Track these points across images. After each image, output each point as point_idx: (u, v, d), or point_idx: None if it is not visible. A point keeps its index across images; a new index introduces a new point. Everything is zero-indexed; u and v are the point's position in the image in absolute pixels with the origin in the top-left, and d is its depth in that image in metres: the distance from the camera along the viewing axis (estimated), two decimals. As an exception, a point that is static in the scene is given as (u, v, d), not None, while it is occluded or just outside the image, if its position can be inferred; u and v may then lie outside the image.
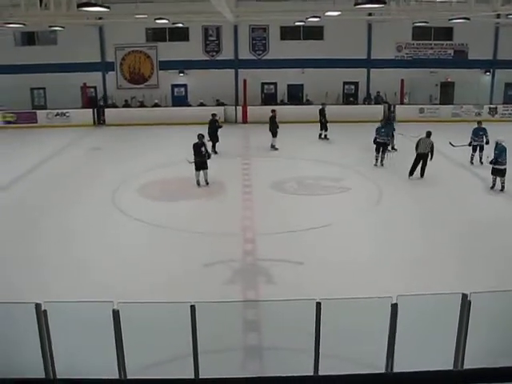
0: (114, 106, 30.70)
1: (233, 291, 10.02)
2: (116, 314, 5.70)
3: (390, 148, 21.59)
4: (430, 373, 1.96)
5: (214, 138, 21.46)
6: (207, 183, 16.99)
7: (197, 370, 5.84)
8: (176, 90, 31.87)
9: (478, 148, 19.07)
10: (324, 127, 24.78)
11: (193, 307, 5.65)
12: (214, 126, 21.60)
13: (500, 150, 15.81)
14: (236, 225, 13.60)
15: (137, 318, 6.08)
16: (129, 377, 5.86)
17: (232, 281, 10.61)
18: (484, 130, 19.15)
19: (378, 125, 19.75)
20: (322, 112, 24.89)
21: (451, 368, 5.36)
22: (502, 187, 15.87)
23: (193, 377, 5.63)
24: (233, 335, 8.15)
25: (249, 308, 9.16)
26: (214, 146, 21.40)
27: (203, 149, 16.86)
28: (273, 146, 22.61)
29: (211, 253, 11.74)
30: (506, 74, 31.69)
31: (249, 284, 10.54)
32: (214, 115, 22.08)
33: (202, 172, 16.86)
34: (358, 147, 21.81)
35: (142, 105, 30.63)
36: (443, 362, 5.62)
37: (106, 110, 29.95)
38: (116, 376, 5.79)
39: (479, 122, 19.78)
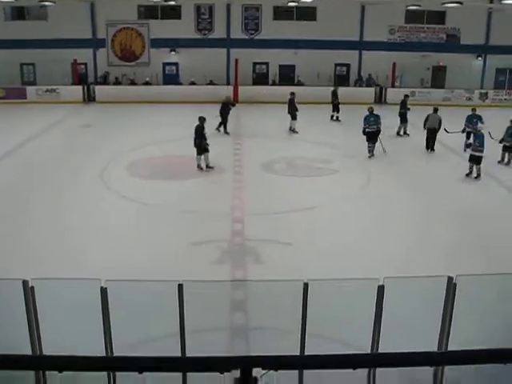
0: (105, 82, 30.44)
1: (221, 271, 10.04)
2: (103, 292, 5.71)
3: (402, 133, 21.45)
4: (414, 354, 1.98)
5: (225, 120, 21.47)
6: (209, 167, 16.49)
7: (183, 348, 5.88)
8: (167, 68, 31.66)
9: (472, 135, 19.04)
10: (336, 109, 24.79)
11: (180, 286, 5.66)
12: (227, 107, 21.54)
13: (478, 137, 16.03)
14: (225, 205, 13.60)
15: (124, 296, 6.08)
16: (115, 354, 5.88)
17: (220, 260, 10.62)
18: (478, 116, 19.07)
19: (365, 113, 18.63)
20: (334, 93, 24.90)
21: (435, 350, 5.41)
22: (478, 175, 15.94)
23: (179, 355, 5.65)
24: (220, 314, 8.18)
25: (237, 288, 9.19)
26: (225, 127, 21.53)
27: (205, 131, 16.52)
28: (292, 130, 22.27)
29: (200, 232, 11.75)
30: (498, 60, 31.70)
31: (237, 264, 10.57)
32: (227, 98, 22.22)
33: (203, 156, 16.46)
34: (352, 130, 21.57)
35: (132, 82, 30.40)
36: (428, 343, 5.69)
37: (96, 87, 29.68)
38: (103, 353, 5.81)
39: (473, 109, 19.75)
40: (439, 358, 1.99)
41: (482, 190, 15.43)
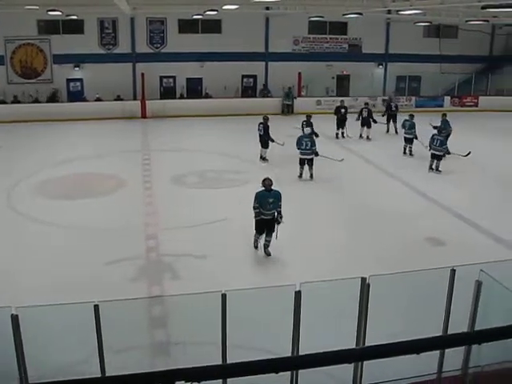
0: (3, 102, 29.17)
1: (137, 288, 9.86)
2: (14, 320, 5.47)
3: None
4: (333, 353, 2.03)
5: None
6: (265, 159, 19.14)
7: (103, 369, 5.73)
8: (71, 84, 30.80)
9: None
10: (342, 125, 23.66)
11: (96, 307, 5.52)
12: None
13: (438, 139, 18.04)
14: (138, 221, 13.39)
15: (38, 321, 5.87)
16: (30, 382, 5.65)
17: (136, 278, 10.44)
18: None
19: (259, 189, 11.51)
20: (339, 109, 24.00)
21: (354, 347, 5.55)
22: (437, 168, 18.05)
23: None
24: (139, 332, 8.05)
25: (154, 304, 9.08)
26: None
27: (261, 128, 18.92)
28: (367, 137, 23.41)
29: (113, 251, 11.45)
30: (397, 67, 33.25)
31: (153, 280, 10.43)
32: (309, 116, 20.36)
33: (266, 149, 18.99)
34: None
35: (35, 100, 29.33)
36: (346, 341, 5.83)
37: (-4, 106, 28.36)
38: (17, 382, 5.58)
39: (411, 116, 21.02)
40: (358, 354, 2.05)
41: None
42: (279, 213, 11.18)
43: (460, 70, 32.99)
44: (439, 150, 17.94)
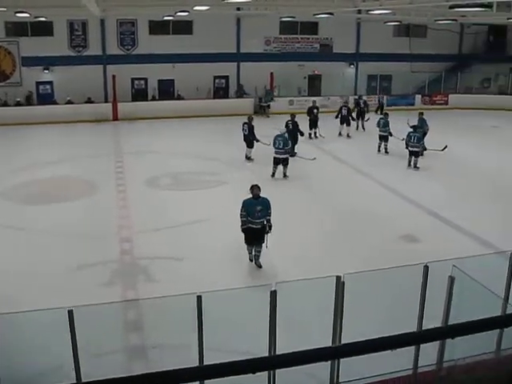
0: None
1: (112, 292, 9.76)
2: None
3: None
4: (309, 351, 2.05)
5: (294, 140, 19.38)
6: (250, 159, 19.35)
7: (79, 375, 5.66)
8: (41, 87, 30.39)
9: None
10: (314, 125, 23.39)
11: (70, 312, 5.45)
12: (296, 128, 19.76)
13: (415, 136, 18.35)
14: (111, 224, 13.26)
15: (10, 329, 5.78)
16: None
17: (110, 282, 10.34)
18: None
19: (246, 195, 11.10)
20: (311, 110, 23.67)
21: (330, 345, 5.57)
22: (415, 165, 18.32)
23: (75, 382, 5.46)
24: (115, 337, 7.98)
25: (130, 308, 9.01)
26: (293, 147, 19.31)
27: (246, 128, 19.13)
28: (348, 135, 23.98)
29: (87, 255, 11.32)
30: (368, 67, 33.56)
31: (128, 284, 10.35)
32: (293, 116, 20.14)
33: (251, 149, 19.21)
34: (232, 141, 21.73)
35: (4, 104, 28.89)
36: (324, 340, 5.85)
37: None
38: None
39: (386, 114, 21.53)
40: (334, 352, 2.07)
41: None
42: (268, 221, 10.63)
43: (430, 69, 33.49)
44: (417, 146, 18.25)
